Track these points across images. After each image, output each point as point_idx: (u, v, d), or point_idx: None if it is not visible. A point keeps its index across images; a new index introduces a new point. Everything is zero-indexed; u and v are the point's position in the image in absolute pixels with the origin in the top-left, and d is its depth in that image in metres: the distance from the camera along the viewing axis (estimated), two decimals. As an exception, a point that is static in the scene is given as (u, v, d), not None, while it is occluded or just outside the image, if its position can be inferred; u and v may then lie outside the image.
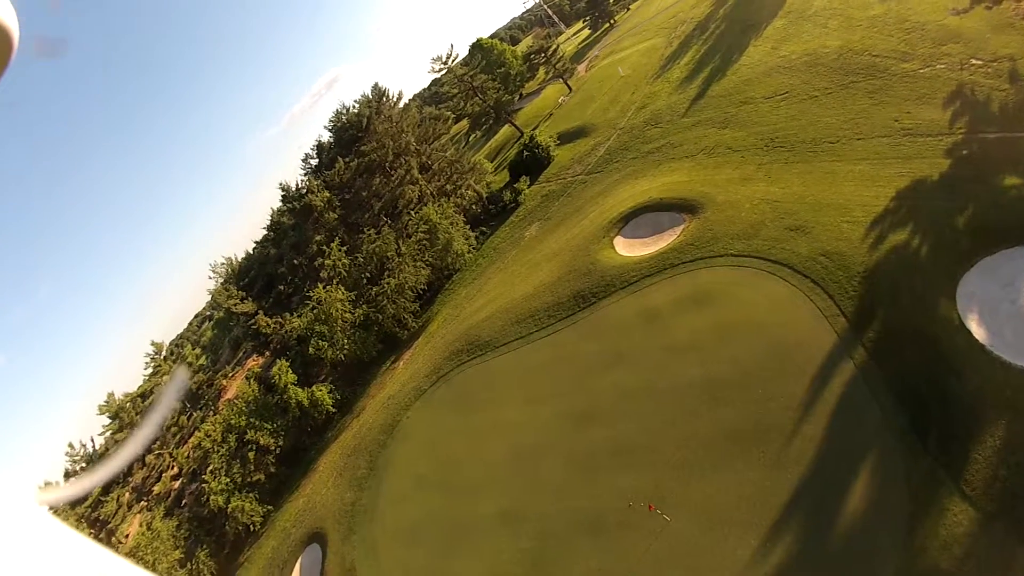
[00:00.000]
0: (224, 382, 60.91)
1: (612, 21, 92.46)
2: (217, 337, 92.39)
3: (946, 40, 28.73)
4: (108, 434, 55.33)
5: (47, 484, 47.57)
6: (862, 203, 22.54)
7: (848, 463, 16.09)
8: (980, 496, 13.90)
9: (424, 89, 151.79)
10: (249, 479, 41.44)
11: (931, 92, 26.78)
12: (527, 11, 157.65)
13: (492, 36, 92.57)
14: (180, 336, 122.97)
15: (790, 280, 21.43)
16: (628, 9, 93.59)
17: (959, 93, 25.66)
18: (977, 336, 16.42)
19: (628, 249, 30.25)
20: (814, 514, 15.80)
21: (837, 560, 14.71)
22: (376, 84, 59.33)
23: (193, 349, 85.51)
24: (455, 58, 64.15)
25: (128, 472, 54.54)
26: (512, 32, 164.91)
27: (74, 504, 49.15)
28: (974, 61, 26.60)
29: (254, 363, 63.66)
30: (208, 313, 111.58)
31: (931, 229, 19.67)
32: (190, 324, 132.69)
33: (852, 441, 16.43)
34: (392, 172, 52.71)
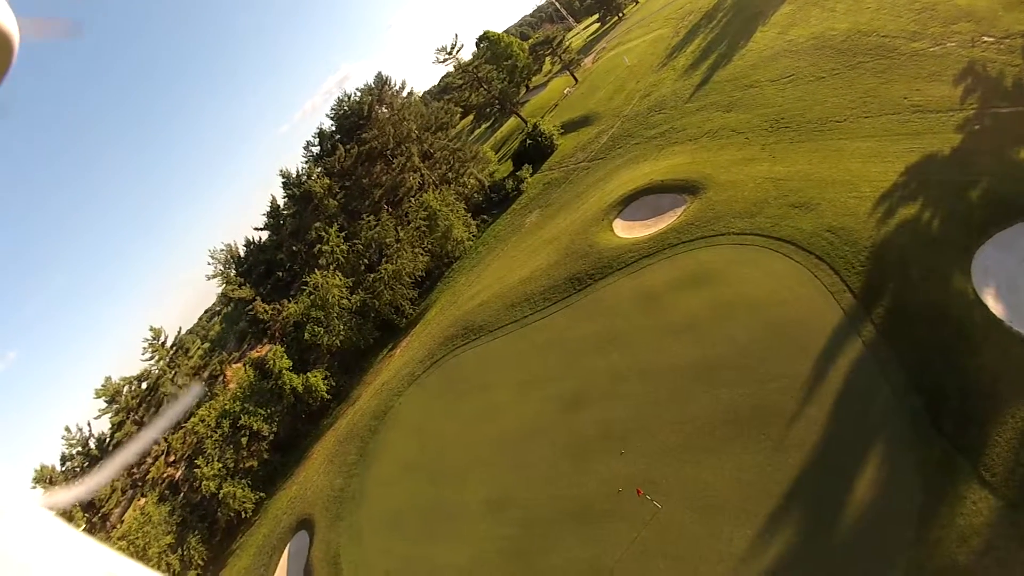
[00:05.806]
0: (223, 368, 60.36)
1: (621, 14, 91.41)
2: (224, 332, 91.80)
3: (957, 19, 27.81)
4: (106, 418, 54.62)
5: (42, 468, 47.25)
6: (869, 179, 21.46)
7: (855, 447, 14.89)
8: (1001, 483, 12.64)
9: (433, 86, 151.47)
10: (242, 465, 40.84)
11: (941, 70, 25.83)
12: (537, 8, 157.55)
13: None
14: (189, 331, 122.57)
15: (794, 257, 20.36)
16: (637, 2, 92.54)
17: (970, 70, 24.73)
18: (995, 311, 15.29)
19: (627, 231, 29.32)
20: (817, 503, 14.62)
21: (842, 552, 13.45)
22: (379, 72, 58.67)
23: (202, 344, 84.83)
24: (459, 49, 63.43)
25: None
26: (522, 29, 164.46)
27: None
28: (986, 38, 25.62)
29: (256, 353, 63.10)
30: (217, 308, 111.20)
31: (943, 203, 18.57)
32: (200, 319, 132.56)
33: (860, 424, 15.26)
34: (393, 160, 52.01)
